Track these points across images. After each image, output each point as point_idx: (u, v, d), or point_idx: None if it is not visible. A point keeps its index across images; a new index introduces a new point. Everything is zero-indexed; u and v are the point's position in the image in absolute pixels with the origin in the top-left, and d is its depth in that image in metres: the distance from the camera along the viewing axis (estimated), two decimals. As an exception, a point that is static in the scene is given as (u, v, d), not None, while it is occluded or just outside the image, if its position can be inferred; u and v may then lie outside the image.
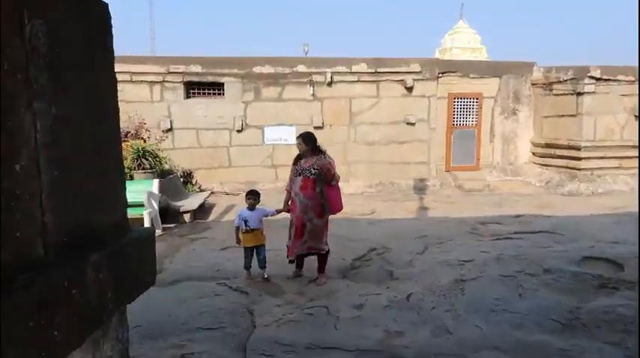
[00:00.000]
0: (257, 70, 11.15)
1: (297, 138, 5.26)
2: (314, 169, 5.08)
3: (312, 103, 11.33)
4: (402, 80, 11.43)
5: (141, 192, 7.49)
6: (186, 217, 8.61)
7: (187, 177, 10.66)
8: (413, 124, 11.54)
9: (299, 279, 5.38)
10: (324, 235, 5.25)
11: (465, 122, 12.17)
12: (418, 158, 11.72)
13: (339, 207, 5.18)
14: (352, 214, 8.72)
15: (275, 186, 10.55)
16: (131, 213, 7.78)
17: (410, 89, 11.48)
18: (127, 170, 8.10)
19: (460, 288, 4.59)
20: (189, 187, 10.32)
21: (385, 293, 4.78)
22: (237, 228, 5.45)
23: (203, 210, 9.41)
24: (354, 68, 11.28)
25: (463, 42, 18.77)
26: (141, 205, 7.44)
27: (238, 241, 5.49)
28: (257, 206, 5.46)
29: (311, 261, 5.44)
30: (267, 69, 11.17)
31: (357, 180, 11.51)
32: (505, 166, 12.35)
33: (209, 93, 11.29)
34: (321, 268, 5.33)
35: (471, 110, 12.14)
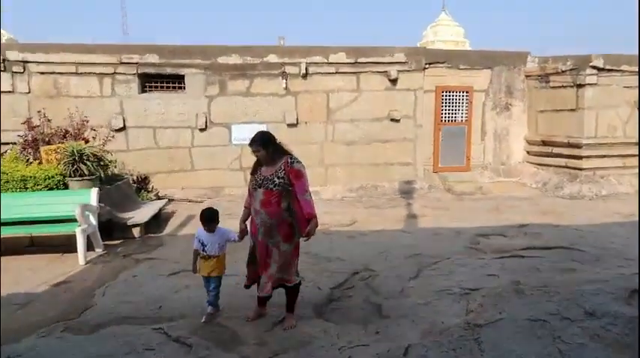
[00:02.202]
0: (222, 60, 9.84)
1: (251, 144, 3.92)
2: (277, 179, 3.85)
3: (285, 98, 10.09)
4: (385, 72, 10.27)
5: (76, 205, 6.14)
6: (136, 231, 7.28)
7: (142, 182, 9.30)
8: (397, 121, 10.39)
9: (262, 320, 4.15)
10: (293, 264, 4.03)
11: (454, 118, 11.08)
12: (403, 158, 10.58)
13: (310, 213, 3.78)
14: (329, 225, 7.52)
15: (244, 191, 9.14)
16: (62, 230, 6.46)
17: (394, 81, 10.32)
18: (59, 177, 6.73)
19: (475, 338, 3.42)
20: (144, 195, 8.96)
21: (374, 343, 3.59)
22: (196, 253, 4.22)
23: (158, 221, 8.08)
24: (332, 58, 10.07)
25: (446, 35, 17.83)
26: (75, 220, 6.10)
27: (195, 269, 4.26)
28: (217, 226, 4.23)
29: (278, 294, 4.20)
30: (233, 59, 9.87)
31: (336, 183, 10.31)
32: (497, 166, 11.31)
33: (168, 87, 9.94)
34: (290, 306, 4.10)
35: (461, 105, 11.06)
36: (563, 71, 10.08)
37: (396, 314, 4.21)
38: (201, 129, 9.89)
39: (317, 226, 3.86)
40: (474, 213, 8.15)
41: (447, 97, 10.97)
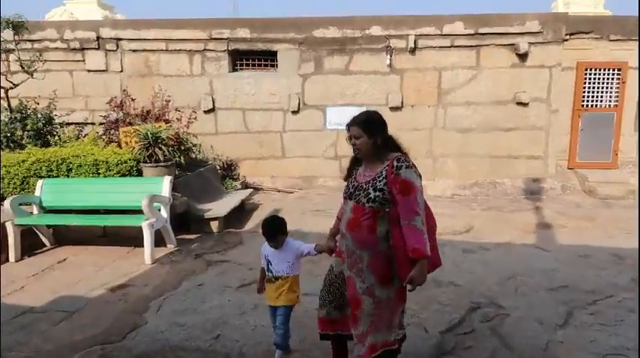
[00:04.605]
0: (318, 34, 8.70)
1: (351, 124, 2.59)
2: (374, 190, 2.49)
3: (389, 76, 8.70)
4: (512, 45, 8.43)
5: (143, 195, 5.39)
6: (214, 226, 6.47)
7: (228, 169, 8.56)
8: (525, 105, 8.53)
9: (342, 379, 2.95)
10: (395, 317, 2.67)
11: (599, 102, 8.93)
12: (531, 150, 8.70)
13: (418, 250, 2.37)
14: (439, 232, 6.08)
15: (340, 183, 8.09)
16: (128, 222, 5.71)
17: (523, 56, 8.45)
18: (132, 163, 6.07)
19: None
20: (229, 183, 8.19)
21: None
22: (263, 271, 3.19)
23: (242, 213, 7.25)
24: (447, 29, 8.46)
25: (582, 5, 15.02)
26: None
27: (260, 289, 3.25)
28: (287, 240, 3.10)
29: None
30: (331, 32, 8.68)
31: (446, 178, 8.76)
32: (656, 163, 8.96)
33: (259, 65, 9.04)
34: (385, 365, 2.84)
35: (609, 86, 8.86)
36: None
37: (543, 393, 2.79)
38: (294, 112, 8.88)
39: (428, 271, 2.47)
40: (632, 227, 6.21)
41: (592, 76, 8.84)
